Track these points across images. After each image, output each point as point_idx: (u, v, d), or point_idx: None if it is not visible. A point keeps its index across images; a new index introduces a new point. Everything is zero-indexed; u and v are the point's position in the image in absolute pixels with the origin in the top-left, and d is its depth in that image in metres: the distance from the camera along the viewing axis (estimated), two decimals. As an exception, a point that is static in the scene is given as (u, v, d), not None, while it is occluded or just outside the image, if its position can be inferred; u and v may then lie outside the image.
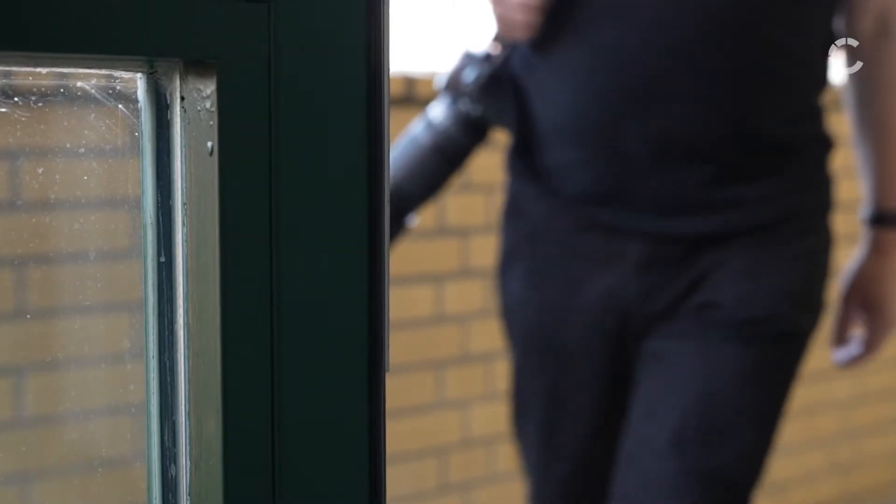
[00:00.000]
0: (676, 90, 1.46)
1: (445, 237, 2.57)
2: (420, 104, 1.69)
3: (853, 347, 1.65)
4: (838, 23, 1.54)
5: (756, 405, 1.54)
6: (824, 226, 1.58)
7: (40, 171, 0.69)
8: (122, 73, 0.56)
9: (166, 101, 0.55)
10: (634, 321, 1.54)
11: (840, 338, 1.65)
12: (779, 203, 1.52)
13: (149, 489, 0.57)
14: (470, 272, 2.58)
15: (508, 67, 1.58)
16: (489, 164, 2.23)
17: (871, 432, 3.44)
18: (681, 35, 1.44)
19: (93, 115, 0.59)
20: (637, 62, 1.46)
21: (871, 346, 1.63)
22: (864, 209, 1.62)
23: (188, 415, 0.54)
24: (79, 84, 0.57)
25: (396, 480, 2.52)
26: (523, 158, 1.60)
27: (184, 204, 0.54)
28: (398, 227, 1.62)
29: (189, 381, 0.54)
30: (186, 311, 0.54)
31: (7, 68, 0.56)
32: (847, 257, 1.69)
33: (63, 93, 0.58)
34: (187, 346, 0.54)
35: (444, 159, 1.61)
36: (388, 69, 0.54)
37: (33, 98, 0.58)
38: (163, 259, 0.56)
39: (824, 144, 1.56)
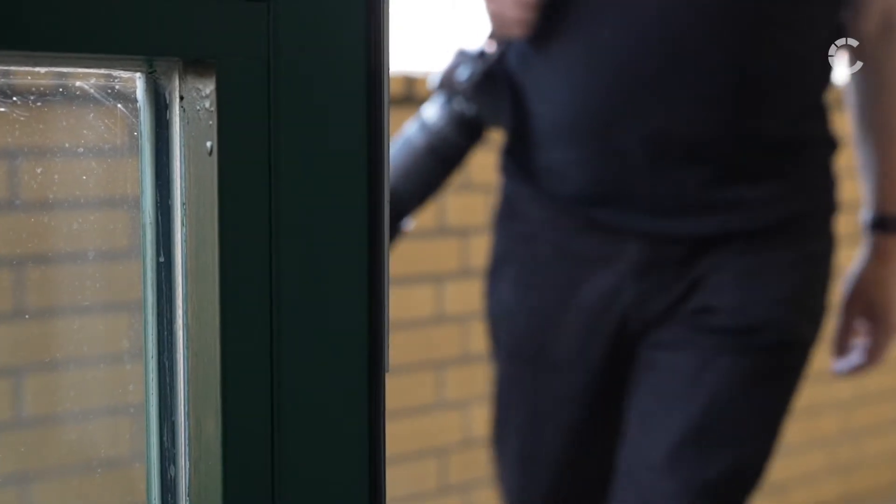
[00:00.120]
0: (676, 89, 1.43)
1: (445, 237, 2.57)
2: (420, 104, 1.67)
3: (854, 356, 1.60)
4: (843, 22, 1.51)
5: (753, 418, 1.51)
6: (827, 229, 1.53)
7: (39, 170, 0.69)
8: (121, 72, 0.56)
9: (165, 100, 0.55)
10: (631, 324, 1.50)
11: (841, 347, 1.61)
12: (780, 205, 1.48)
13: (148, 490, 0.57)
14: (470, 272, 2.57)
15: (503, 65, 1.54)
16: (489, 163, 2.23)
17: (872, 433, 3.44)
18: (680, 33, 1.42)
19: (92, 115, 0.59)
20: (636, 61, 1.43)
21: (873, 354, 1.59)
22: (864, 213, 1.58)
23: (187, 415, 0.54)
24: (78, 84, 0.57)
25: (396, 481, 2.51)
26: (518, 158, 1.56)
27: (183, 204, 0.54)
28: (394, 230, 1.57)
29: (188, 382, 0.54)
30: (185, 312, 0.54)
31: (6, 68, 0.56)
32: (850, 259, 1.65)
33: (62, 92, 0.58)
34: (186, 347, 0.54)
35: (439, 160, 1.57)
36: (388, 69, 0.54)
37: (32, 98, 0.57)
38: (162, 259, 0.56)
39: (828, 145, 1.53)
